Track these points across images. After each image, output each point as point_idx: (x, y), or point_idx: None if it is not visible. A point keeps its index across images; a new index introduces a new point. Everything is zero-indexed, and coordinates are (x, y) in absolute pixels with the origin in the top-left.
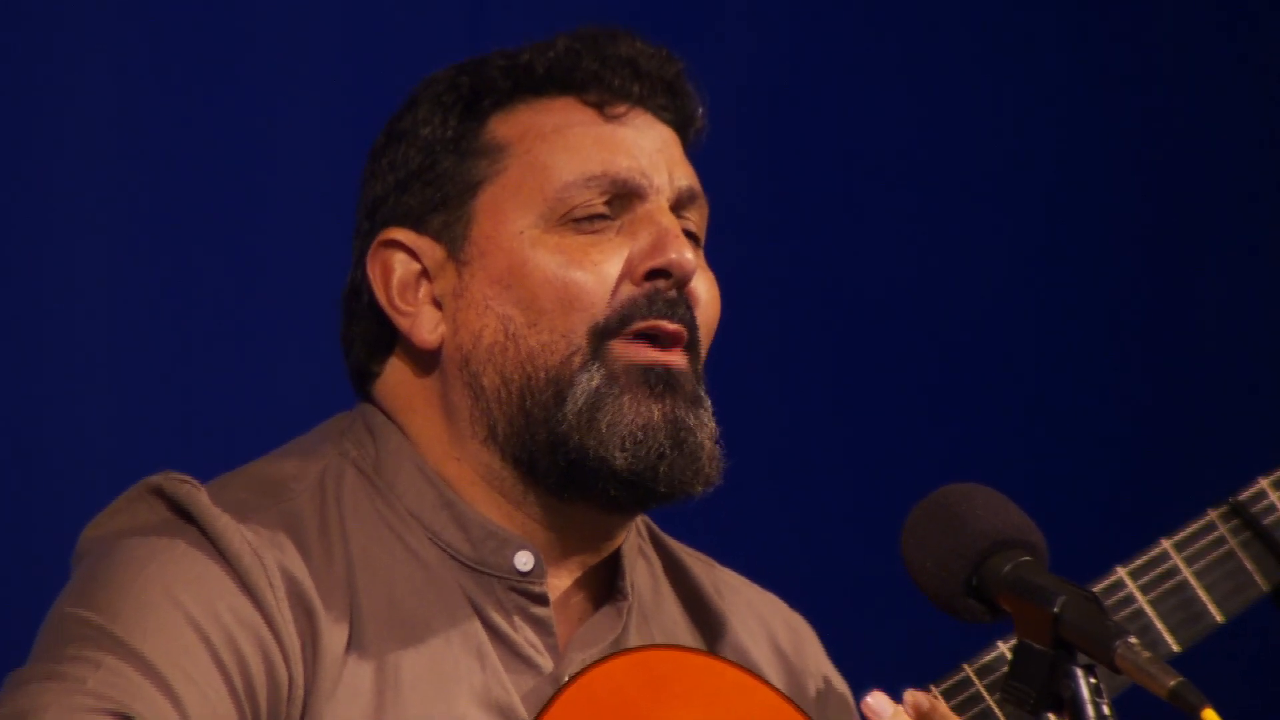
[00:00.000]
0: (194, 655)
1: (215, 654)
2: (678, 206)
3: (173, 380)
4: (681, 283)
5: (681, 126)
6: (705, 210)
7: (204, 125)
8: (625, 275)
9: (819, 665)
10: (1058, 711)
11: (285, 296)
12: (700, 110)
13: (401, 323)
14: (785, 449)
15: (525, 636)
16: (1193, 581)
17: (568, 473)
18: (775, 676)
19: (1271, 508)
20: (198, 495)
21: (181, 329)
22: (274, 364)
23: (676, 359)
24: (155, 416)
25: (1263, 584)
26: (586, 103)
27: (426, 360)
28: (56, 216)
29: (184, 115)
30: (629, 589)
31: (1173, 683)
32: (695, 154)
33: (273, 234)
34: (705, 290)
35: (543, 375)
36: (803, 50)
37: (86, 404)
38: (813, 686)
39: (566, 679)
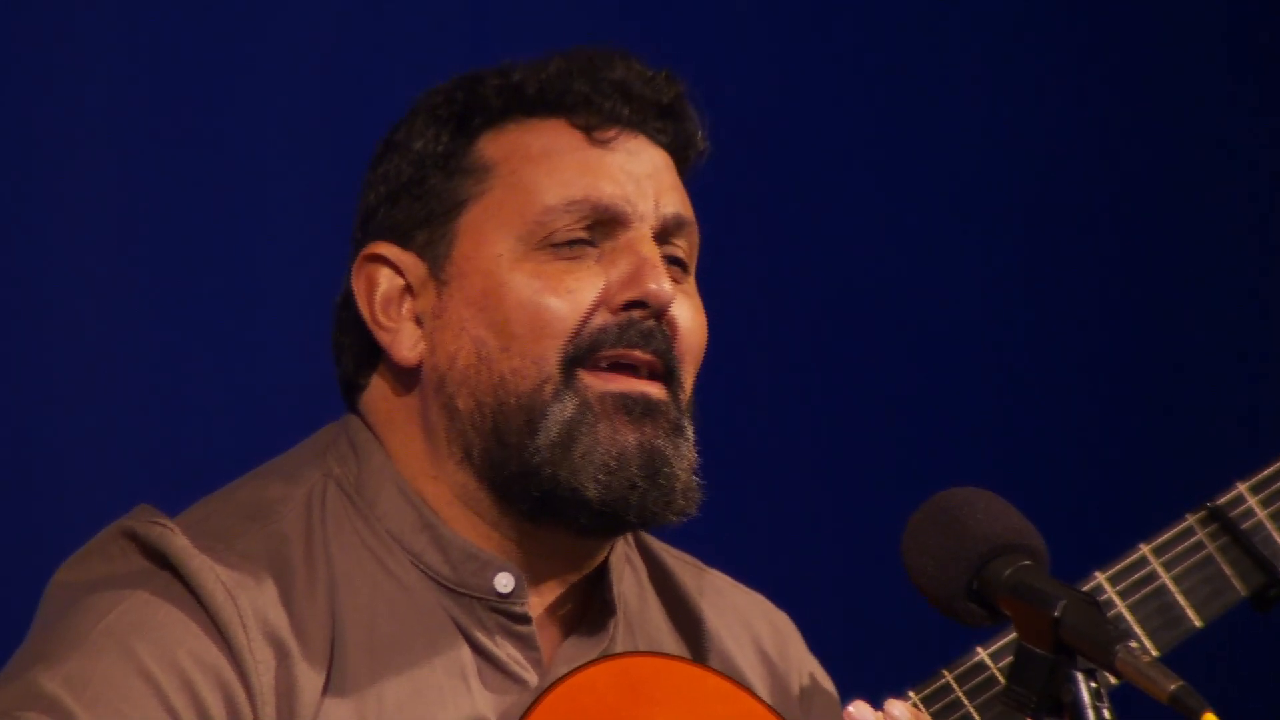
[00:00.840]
0: (140, 704)
1: (166, 702)
2: (663, 234)
3: (167, 388)
4: (658, 314)
5: (678, 149)
6: (696, 236)
7: (195, 130)
8: (601, 303)
9: (803, 664)
10: (1058, 715)
11: (282, 303)
12: (699, 133)
13: (383, 338)
14: (784, 453)
15: (508, 653)
16: (1171, 586)
17: (541, 501)
18: (760, 680)
19: (1249, 513)
20: (171, 538)
21: (177, 335)
22: (268, 372)
23: (653, 389)
24: (151, 421)
25: (1241, 589)
26: (575, 125)
27: (407, 377)
28: (51, 219)
29: (176, 122)
30: (616, 602)
31: (1173, 687)
32: (694, 176)
33: (269, 240)
34: (687, 318)
35: (514, 401)
36: (791, 62)
37: (84, 407)
38: (798, 686)
39: (548, 685)
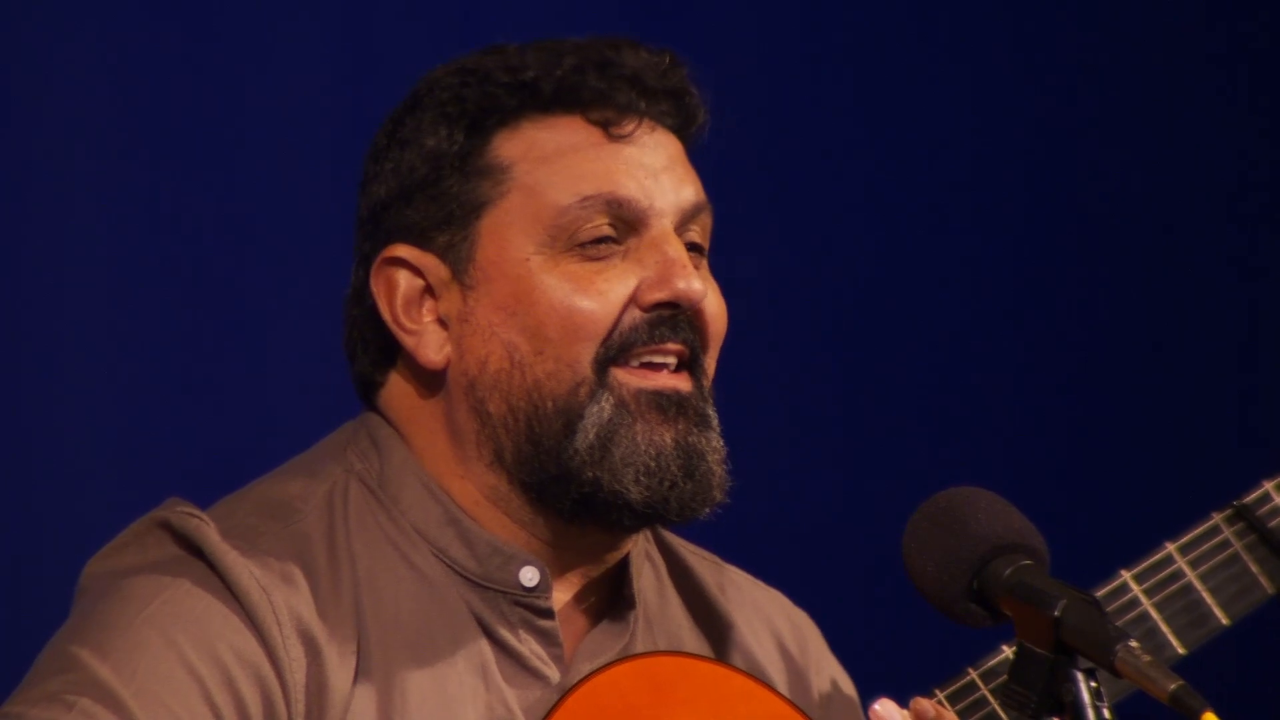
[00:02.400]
0: (183, 696)
1: (208, 695)
2: (683, 223)
3: (180, 387)
4: (688, 311)
5: (684, 126)
6: (710, 218)
7: (196, 129)
8: (631, 302)
9: (823, 663)
10: (1058, 715)
11: (293, 299)
12: (703, 108)
13: (407, 341)
14: (788, 453)
15: (531, 649)
16: (1198, 585)
17: (580, 503)
18: (780, 676)
19: (1276, 510)
20: (206, 530)
21: (188, 332)
22: (283, 368)
23: (682, 383)
24: (163, 423)
25: (1268, 586)
26: (591, 121)
27: (432, 379)
28: (57, 220)
29: (179, 121)
30: (636, 596)
31: (1173, 686)
32: (699, 149)
33: (278, 235)
34: (712, 306)
35: (550, 405)
36: (796, 53)
37: (95, 410)
38: (817, 685)
39: (571, 684)
